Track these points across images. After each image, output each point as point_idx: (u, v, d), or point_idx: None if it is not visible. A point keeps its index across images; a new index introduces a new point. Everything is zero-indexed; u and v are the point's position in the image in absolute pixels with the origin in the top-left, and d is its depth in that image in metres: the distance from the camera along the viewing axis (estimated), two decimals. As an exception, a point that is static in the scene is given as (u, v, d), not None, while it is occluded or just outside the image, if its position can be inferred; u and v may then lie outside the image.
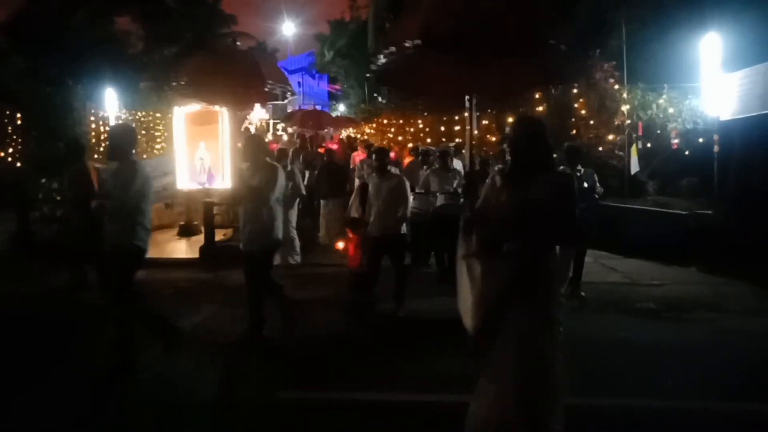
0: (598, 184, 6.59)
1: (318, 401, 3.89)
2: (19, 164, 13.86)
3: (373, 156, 6.39)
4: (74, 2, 21.92)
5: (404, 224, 5.97)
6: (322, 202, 9.52)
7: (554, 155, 3.19)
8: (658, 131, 10.52)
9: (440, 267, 7.30)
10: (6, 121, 14.26)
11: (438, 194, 7.25)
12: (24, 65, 16.55)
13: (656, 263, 8.10)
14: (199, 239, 8.99)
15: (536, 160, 3.02)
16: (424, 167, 8.56)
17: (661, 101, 10.36)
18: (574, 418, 3.69)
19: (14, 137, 14.41)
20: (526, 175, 3.00)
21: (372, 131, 20.38)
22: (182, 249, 9.36)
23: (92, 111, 15.63)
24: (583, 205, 6.06)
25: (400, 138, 17.26)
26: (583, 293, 6.34)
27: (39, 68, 16.66)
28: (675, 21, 10.79)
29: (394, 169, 6.41)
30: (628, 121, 10.52)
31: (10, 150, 14.17)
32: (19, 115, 14.53)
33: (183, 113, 10.64)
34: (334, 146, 13.81)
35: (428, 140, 16.33)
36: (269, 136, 16.66)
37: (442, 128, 16.02)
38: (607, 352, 4.76)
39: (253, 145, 5.20)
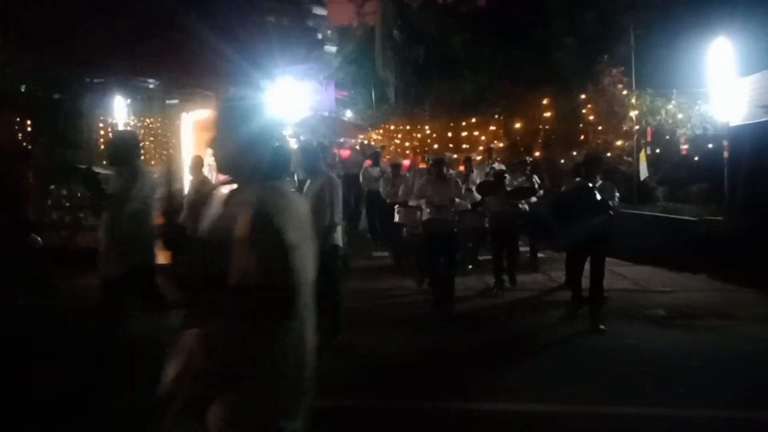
0: (616, 198, 6.04)
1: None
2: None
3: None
4: (83, 9, 22.17)
5: (333, 234, 4.89)
6: None
7: (289, 157, 1.92)
8: (667, 137, 10.46)
9: (435, 294, 6.41)
10: (16, 127, 14.39)
11: (423, 207, 6.52)
12: (33, 72, 16.69)
13: (666, 270, 8.02)
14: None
15: (235, 166, 1.85)
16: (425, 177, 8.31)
17: (670, 106, 10.30)
18: (582, 426, 3.66)
19: (24, 143, 14.52)
20: (225, 197, 1.89)
21: (379, 137, 20.38)
22: (189, 255, 9.36)
23: (101, 117, 15.74)
24: (596, 219, 5.58)
25: (407, 144, 17.26)
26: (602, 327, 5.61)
27: (48, 75, 16.81)
28: (683, 26, 10.73)
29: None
30: (637, 127, 10.46)
31: (20, 156, 14.28)
32: (29, 122, 14.66)
33: (191, 120, 10.71)
34: (346, 153, 13.45)
35: (435, 146, 16.32)
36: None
37: (449, 134, 16.00)
38: (616, 360, 4.71)
39: (116, 144, 4.27)
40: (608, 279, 7.63)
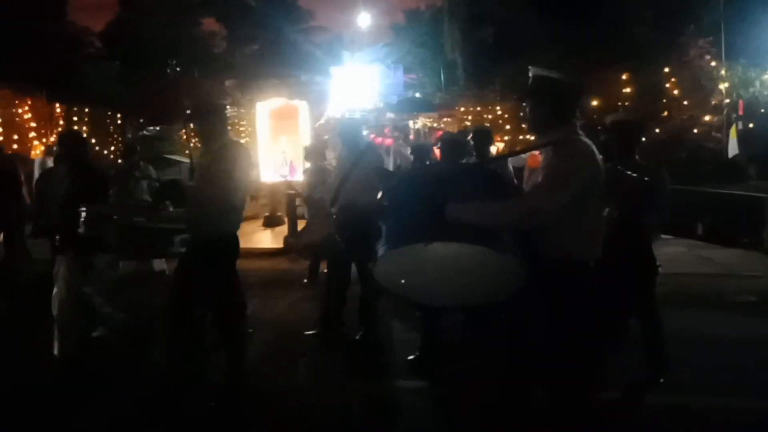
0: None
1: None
2: (120, 161, 14.97)
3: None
4: (162, 7, 23.33)
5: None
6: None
7: None
8: (762, 110, 9.74)
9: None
10: (108, 121, 15.44)
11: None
12: (119, 69, 17.82)
13: (758, 253, 7.50)
14: (283, 230, 9.34)
15: None
16: None
17: (766, 77, 9.58)
18: (665, 418, 3.53)
19: (115, 136, 15.59)
20: None
21: (450, 119, 20.19)
22: (267, 239, 9.75)
23: (183, 109, 16.57)
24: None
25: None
26: None
27: (132, 71, 17.90)
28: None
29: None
30: (727, 101, 9.81)
31: (112, 148, 15.37)
32: (119, 116, 15.68)
33: (266, 109, 11.06)
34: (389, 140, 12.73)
35: (507, 127, 15.99)
36: None
37: (522, 114, 15.61)
38: (700, 349, 4.46)
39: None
40: (692, 262, 7.30)
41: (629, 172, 3.55)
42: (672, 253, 7.60)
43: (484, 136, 4.96)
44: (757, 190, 8.64)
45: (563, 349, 2.45)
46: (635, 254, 3.63)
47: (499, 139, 13.94)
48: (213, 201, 3.43)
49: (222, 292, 3.60)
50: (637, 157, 3.99)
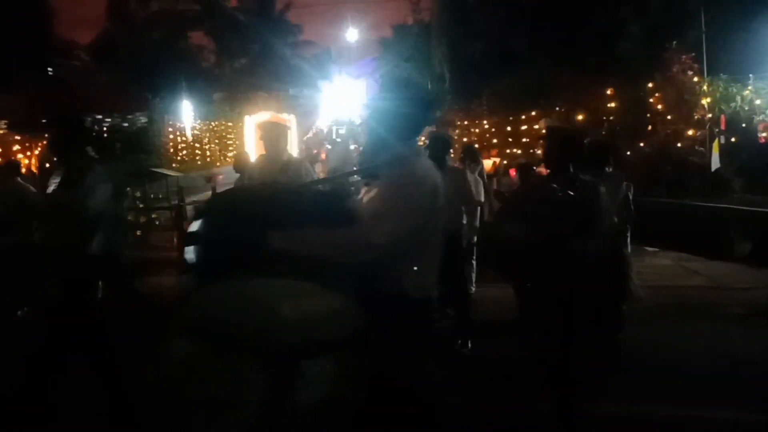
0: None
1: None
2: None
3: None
4: (152, 21, 23.36)
5: None
6: None
7: None
8: (744, 125, 9.90)
9: None
10: (93, 134, 15.35)
11: None
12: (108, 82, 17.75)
13: (744, 266, 7.57)
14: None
15: None
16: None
17: (746, 93, 9.76)
18: (652, 427, 3.52)
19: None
20: None
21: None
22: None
23: (170, 122, 16.51)
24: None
25: (464, 140, 17.11)
26: None
27: (121, 84, 17.82)
28: (760, 5, 10.11)
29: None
30: (709, 115, 9.96)
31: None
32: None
33: (253, 122, 11.07)
34: None
35: (494, 141, 16.11)
36: (327, 145, 16.78)
37: (509, 128, 15.75)
38: (688, 361, 4.48)
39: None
40: (679, 275, 7.35)
41: (555, 188, 3.17)
42: (658, 265, 7.67)
43: (440, 143, 4.28)
44: (742, 203, 8.76)
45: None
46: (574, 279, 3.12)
47: (494, 153, 13.97)
48: (64, 216, 3.24)
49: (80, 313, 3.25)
50: (609, 169, 3.94)
